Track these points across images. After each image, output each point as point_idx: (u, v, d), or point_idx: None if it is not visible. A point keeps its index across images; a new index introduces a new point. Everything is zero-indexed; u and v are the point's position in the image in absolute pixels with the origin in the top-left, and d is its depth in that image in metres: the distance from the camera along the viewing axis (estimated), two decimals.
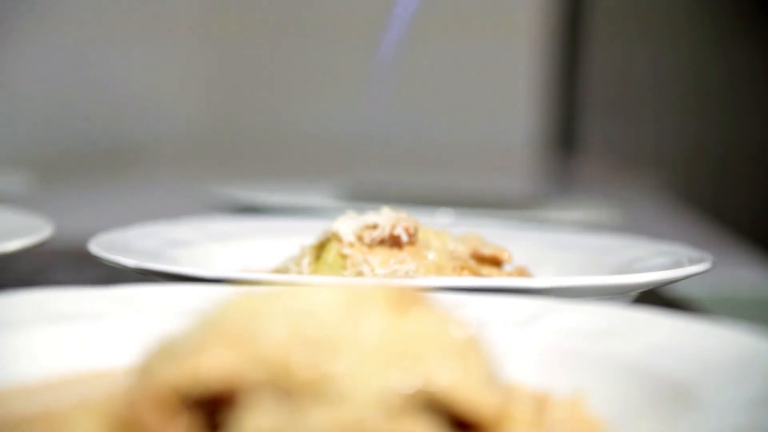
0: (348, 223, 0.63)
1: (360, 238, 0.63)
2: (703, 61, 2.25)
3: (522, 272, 0.67)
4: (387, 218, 0.63)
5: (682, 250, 0.65)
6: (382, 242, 0.62)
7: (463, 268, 0.63)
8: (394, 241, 0.63)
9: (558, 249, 0.72)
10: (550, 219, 1.02)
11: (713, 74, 2.23)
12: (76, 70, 2.05)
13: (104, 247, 0.61)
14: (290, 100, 2.19)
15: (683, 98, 2.29)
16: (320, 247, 0.64)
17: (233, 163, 1.87)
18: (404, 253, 0.62)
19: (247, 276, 0.52)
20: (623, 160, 2.30)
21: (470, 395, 0.33)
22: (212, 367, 0.33)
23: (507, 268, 0.67)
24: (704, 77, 2.25)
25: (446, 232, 0.67)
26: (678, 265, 0.59)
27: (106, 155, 1.98)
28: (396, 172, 1.94)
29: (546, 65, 2.38)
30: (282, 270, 0.66)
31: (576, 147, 2.47)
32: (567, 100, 2.46)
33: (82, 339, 0.43)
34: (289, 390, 0.32)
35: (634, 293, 0.57)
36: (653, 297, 0.60)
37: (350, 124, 2.20)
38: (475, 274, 0.64)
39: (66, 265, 0.74)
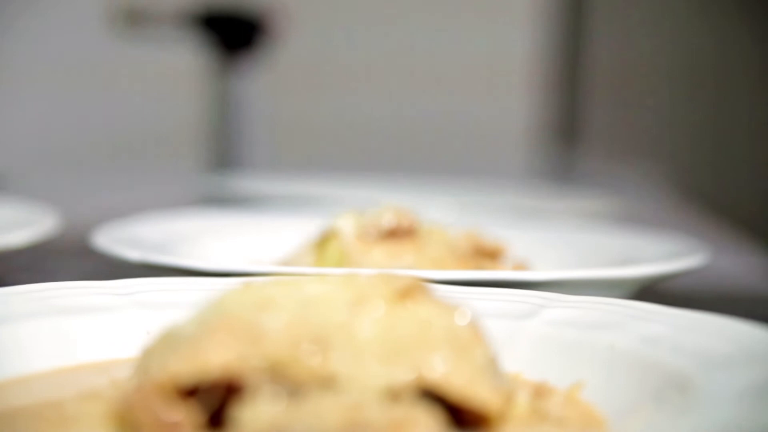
0: (349, 219, 0.64)
1: (361, 234, 0.63)
2: (704, 51, 2.24)
3: (521, 265, 0.68)
4: (387, 213, 0.63)
5: (681, 244, 0.65)
6: (382, 237, 0.63)
7: (463, 262, 0.63)
8: (394, 236, 0.63)
9: (557, 242, 0.72)
10: (550, 209, 1.02)
11: (714, 65, 2.23)
12: (76, 61, 2.05)
13: (108, 239, 0.61)
14: (292, 91, 2.19)
15: (684, 89, 2.29)
16: (322, 244, 0.65)
17: (235, 152, 1.87)
18: (405, 247, 0.62)
19: (249, 268, 0.53)
20: (624, 150, 2.30)
21: (467, 385, 0.33)
22: (215, 357, 0.33)
23: (506, 261, 0.67)
24: (705, 68, 2.24)
25: (446, 225, 0.67)
26: (677, 259, 0.59)
27: (109, 146, 1.98)
28: (396, 159, 1.94)
29: (547, 55, 2.38)
30: (284, 265, 0.67)
31: (576, 137, 2.47)
32: (568, 90, 2.46)
33: (86, 331, 0.43)
34: (290, 379, 0.33)
35: (633, 286, 0.57)
36: (652, 292, 0.60)
37: (350, 112, 2.20)
38: (475, 267, 0.64)
39: (70, 257, 0.74)
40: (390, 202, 0.66)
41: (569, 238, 0.72)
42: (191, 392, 0.33)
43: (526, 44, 2.34)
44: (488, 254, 0.66)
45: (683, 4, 2.29)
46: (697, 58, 2.26)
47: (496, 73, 2.31)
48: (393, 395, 0.33)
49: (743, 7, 2.12)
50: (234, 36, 1.71)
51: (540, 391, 0.38)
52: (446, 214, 0.77)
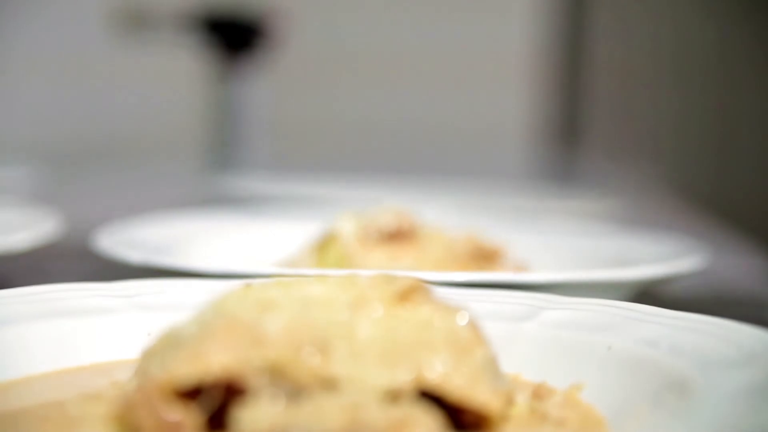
0: (348, 222, 0.64)
1: (360, 236, 0.63)
2: (706, 51, 2.24)
3: (521, 267, 0.68)
4: (387, 215, 0.63)
5: (681, 246, 0.65)
6: (382, 239, 0.63)
7: (462, 263, 0.63)
8: (394, 238, 0.63)
9: (557, 244, 0.72)
10: (549, 209, 1.02)
11: (716, 65, 2.23)
12: (78, 63, 2.05)
13: (109, 241, 0.61)
14: (292, 92, 2.19)
15: (684, 89, 2.29)
16: (322, 247, 0.65)
17: (236, 154, 1.87)
18: (404, 249, 0.62)
19: (250, 269, 0.53)
20: (624, 150, 2.30)
21: (464, 387, 0.34)
22: (216, 358, 0.33)
23: (506, 263, 0.68)
24: (707, 68, 2.24)
25: (446, 227, 0.67)
26: (676, 261, 0.59)
27: (111, 147, 1.99)
28: (396, 160, 1.94)
29: (548, 55, 2.38)
30: (285, 267, 0.67)
31: (576, 137, 2.47)
32: (568, 90, 2.46)
33: (88, 333, 0.43)
34: (290, 380, 0.33)
35: (633, 288, 0.57)
36: (651, 294, 0.60)
37: (350, 112, 2.20)
38: (475, 268, 0.64)
39: (71, 259, 0.74)
40: (390, 204, 0.67)
41: (569, 240, 0.72)
42: (192, 393, 0.33)
43: (527, 44, 2.34)
44: (487, 256, 0.66)
45: (685, 3, 2.29)
46: (699, 58, 2.26)
47: (495, 73, 2.31)
48: (393, 396, 0.33)
49: (746, 8, 2.12)
50: (235, 38, 1.71)
51: (539, 392, 0.39)
52: (446, 215, 0.77)
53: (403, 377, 0.33)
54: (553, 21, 2.38)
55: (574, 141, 2.43)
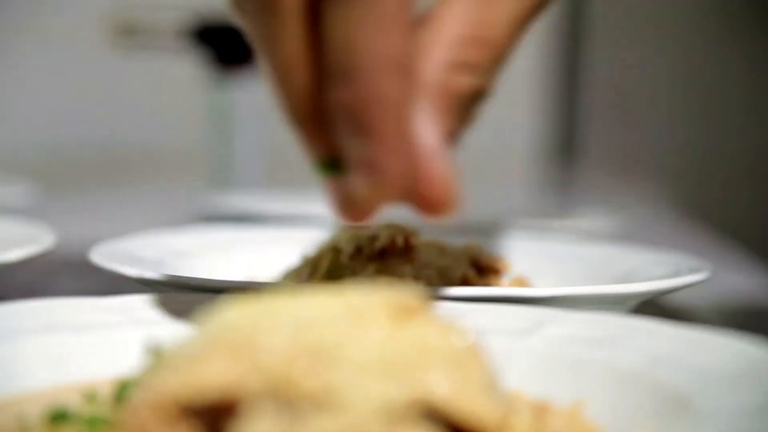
0: (346, 235, 0.63)
1: (359, 250, 0.63)
2: (704, 70, 2.25)
3: (521, 282, 0.67)
4: (384, 230, 0.63)
5: (681, 259, 0.65)
6: (380, 253, 0.62)
7: (462, 278, 0.63)
8: (391, 253, 0.63)
9: (558, 258, 0.72)
10: (550, 228, 1.02)
11: (714, 84, 2.23)
12: (73, 76, 2.06)
13: (105, 256, 0.61)
14: None
15: (684, 107, 2.30)
16: (319, 260, 0.64)
17: (232, 168, 1.87)
18: (402, 264, 0.62)
19: (247, 284, 0.53)
20: (624, 168, 2.30)
21: (468, 404, 0.33)
22: (213, 376, 0.33)
23: (506, 277, 0.67)
24: (705, 87, 2.25)
25: (445, 241, 0.67)
26: (677, 274, 0.59)
27: (107, 163, 1.99)
28: None
29: (547, 74, 2.38)
30: (282, 282, 0.66)
31: (577, 156, 2.47)
32: (568, 108, 2.46)
33: (84, 349, 0.43)
34: (290, 399, 0.33)
35: (634, 302, 0.57)
36: (653, 307, 0.60)
37: None
38: (475, 283, 0.64)
39: (67, 274, 0.74)
40: (387, 218, 0.66)
41: (569, 254, 0.72)
42: (188, 411, 0.33)
43: (526, 62, 2.34)
44: (488, 270, 0.66)
45: (685, 24, 2.30)
46: (696, 75, 2.27)
47: (497, 93, 2.32)
48: (392, 414, 0.33)
49: (741, 27, 2.13)
50: (231, 50, 1.71)
51: (540, 409, 0.38)
52: (445, 229, 0.77)
53: (402, 394, 0.33)
54: (552, 42, 2.39)
55: (573, 158, 2.44)
